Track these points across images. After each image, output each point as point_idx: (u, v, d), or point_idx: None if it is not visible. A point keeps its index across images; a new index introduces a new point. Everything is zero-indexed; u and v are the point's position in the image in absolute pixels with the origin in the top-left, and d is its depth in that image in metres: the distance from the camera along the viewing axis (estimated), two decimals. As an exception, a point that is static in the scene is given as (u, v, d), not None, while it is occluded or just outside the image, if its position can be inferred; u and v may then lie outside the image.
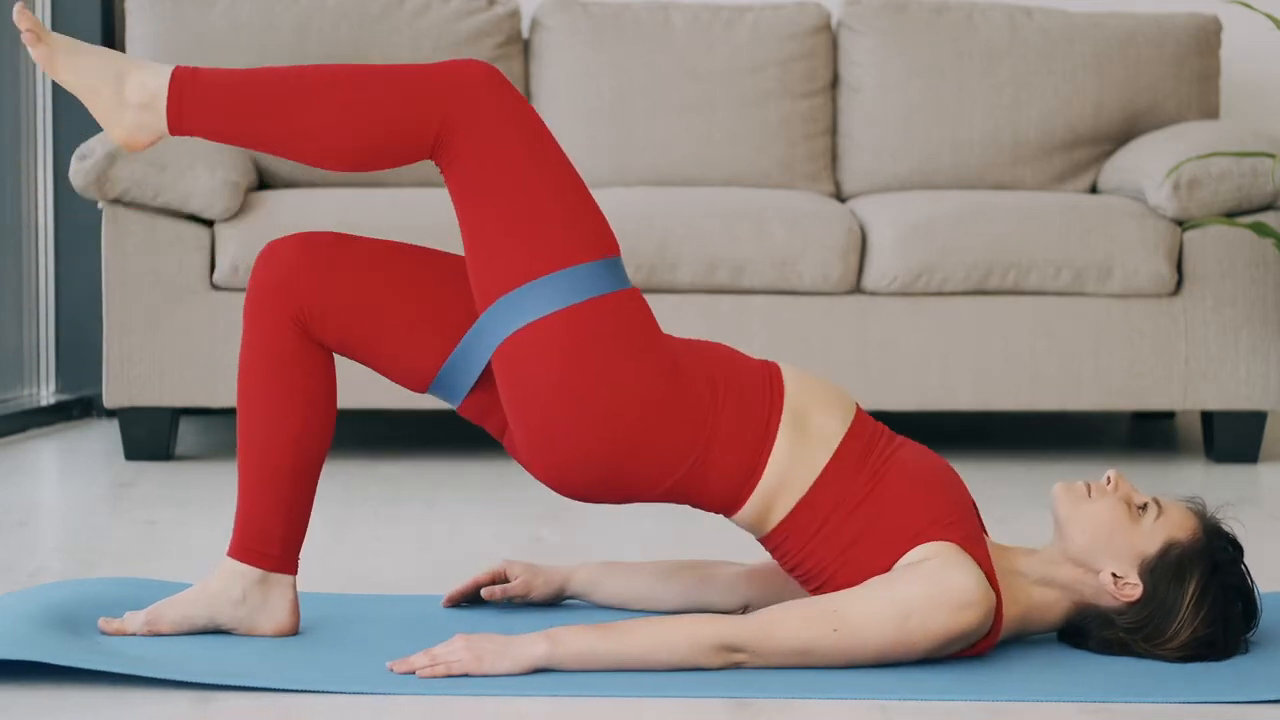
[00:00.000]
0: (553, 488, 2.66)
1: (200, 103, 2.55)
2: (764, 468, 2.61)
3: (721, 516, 2.73)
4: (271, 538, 2.69)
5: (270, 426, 2.67)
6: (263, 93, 2.55)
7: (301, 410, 2.67)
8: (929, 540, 2.57)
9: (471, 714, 2.41)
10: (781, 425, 2.63)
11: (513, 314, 2.57)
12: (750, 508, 2.63)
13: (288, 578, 2.71)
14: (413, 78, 2.57)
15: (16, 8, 2.54)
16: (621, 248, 4.42)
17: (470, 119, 2.56)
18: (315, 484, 2.72)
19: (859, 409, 2.70)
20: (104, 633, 2.69)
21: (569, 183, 2.60)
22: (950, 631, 2.53)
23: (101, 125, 2.59)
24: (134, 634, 2.69)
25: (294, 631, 2.72)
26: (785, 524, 2.63)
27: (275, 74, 2.57)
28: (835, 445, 2.63)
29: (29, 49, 2.56)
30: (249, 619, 2.70)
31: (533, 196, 2.57)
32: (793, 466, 2.62)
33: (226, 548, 2.72)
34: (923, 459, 2.68)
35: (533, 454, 2.61)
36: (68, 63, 2.57)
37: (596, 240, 2.60)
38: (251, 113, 2.55)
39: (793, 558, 2.64)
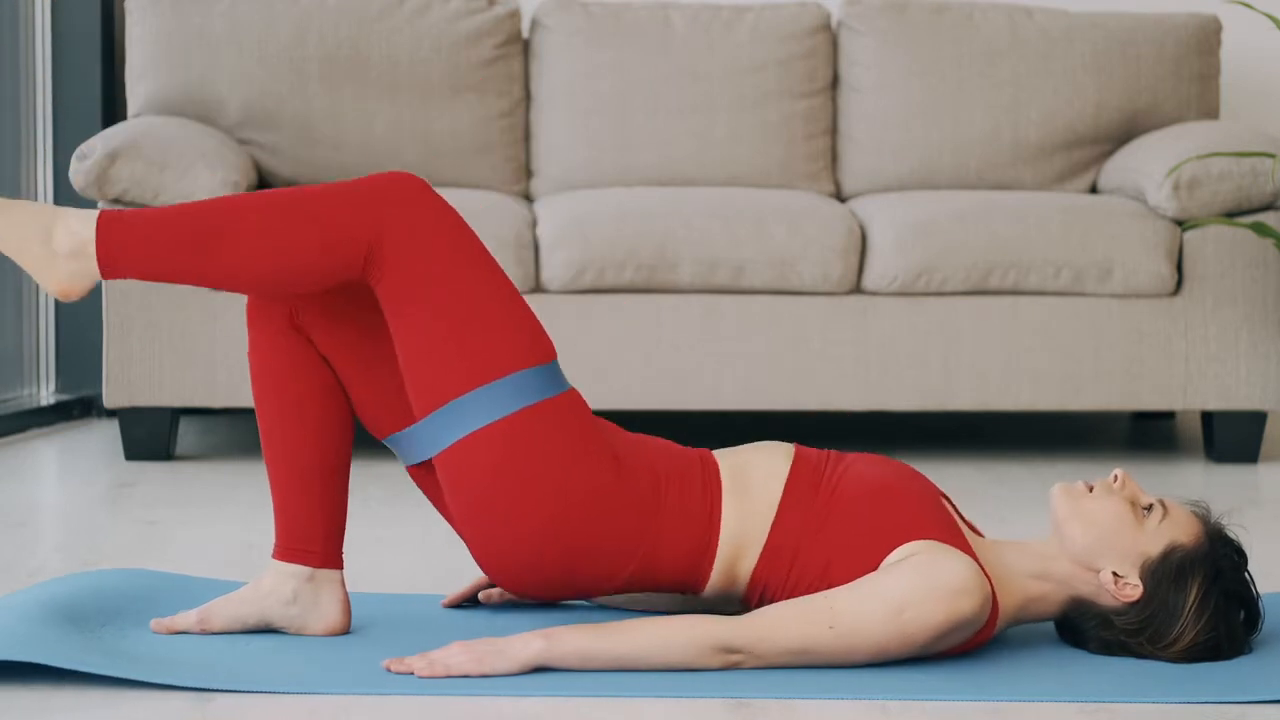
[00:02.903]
0: (507, 588, 2.69)
1: (127, 246, 2.54)
2: (718, 533, 2.64)
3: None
4: (313, 535, 2.71)
5: (289, 426, 2.69)
6: (188, 230, 2.54)
7: (317, 404, 2.69)
8: (903, 543, 2.58)
9: (471, 714, 2.41)
10: (724, 490, 2.65)
11: (451, 426, 2.59)
12: (717, 575, 2.65)
13: (335, 573, 2.74)
14: (338, 199, 2.57)
15: None
16: (622, 248, 4.43)
17: (398, 235, 2.57)
18: (347, 475, 2.74)
19: (799, 446, 2.73)
20: (155, 633, 2.71)
21: (501, 290, 2.62)
22: (948, 620, 2.53)
23: (35, 279, 2.58)
24: (185, 631, 2.71)
25: (345, 631, 2.74)
26: (757, 575, 2.64)
27: (199, 209, 2.57)
28: (782, 483, 2.65)
29: None
30: (300, 618, 2.72)
31: (466, 306, 2.59)
32: (746, 520, 2.64)
33: (271, 551, 2.74)
34: (876, 471, 2.69)
35: (483, 557, 2.64)
36: None
37: (532, 347, 2.61)
38: (178, 252, 2.54)
39: (776, 601, 2.65)
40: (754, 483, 2.66)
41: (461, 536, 2.66)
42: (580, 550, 2.60)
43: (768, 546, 2.63)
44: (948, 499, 2.73)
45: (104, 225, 2.54)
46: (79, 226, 2.54)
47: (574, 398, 2.63)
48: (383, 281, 2.59)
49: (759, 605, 2.66)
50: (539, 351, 2.62)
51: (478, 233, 4.38)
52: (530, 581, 2.65)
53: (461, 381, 2.58)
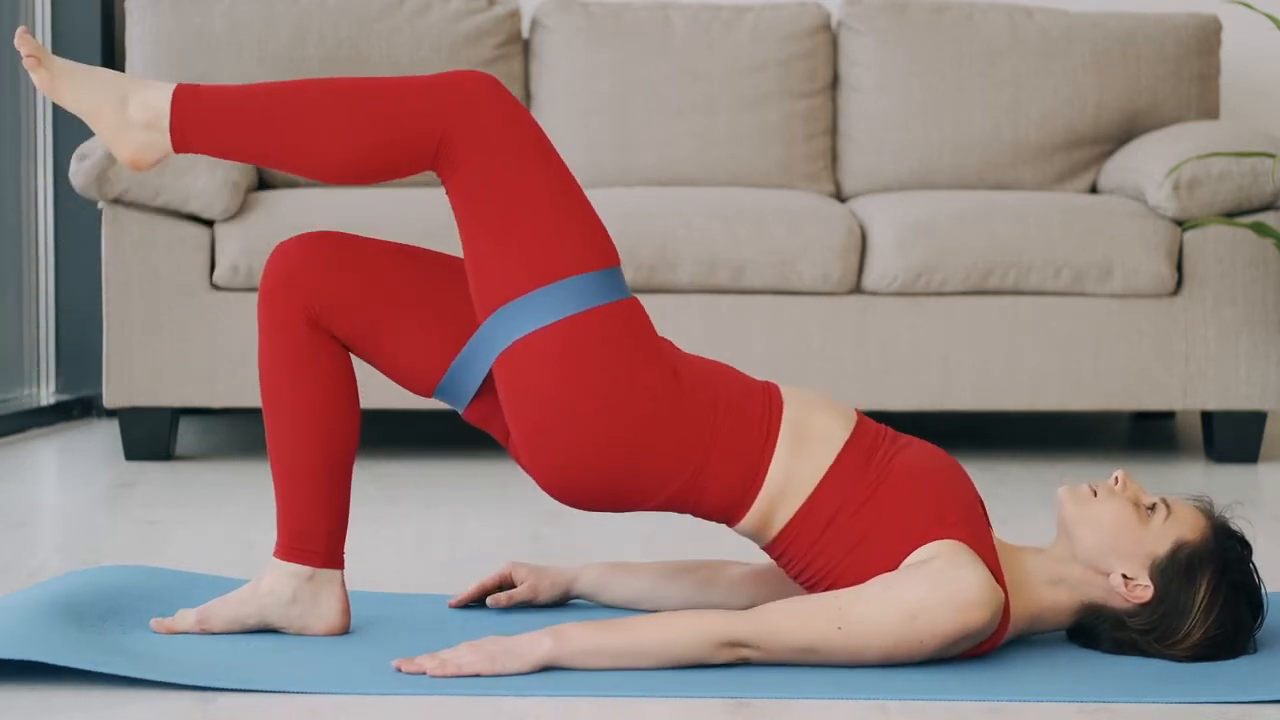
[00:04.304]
0: (553, 494, 2.68)
1: (203, 120, 2.56)
2: (764, 476, 2.62)
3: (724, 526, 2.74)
4: (315, 535, 2.71)
5: (296, 425, 2.69)
6: (264, 109, 2.56)
7: (324, 405, 2.69)
8: (934, 539, 2.57)
9: (471, 714, 2.41)
10: (781, 435, 2.64)
11: (513, 323, 2.58)
12: (752, 516, 2.64)
13: (335, 573, 2.74)
14: (413, 89, 2.59)
15: (18, 32, 2.54)
16: (622, 248, 4.43)
17: (471, 129, 2.58)
18: (350, 476, 2.74)
19: (860, 415, 2.72)
20: (155, 632, 2.71)
21: (569, 193, 2.62)
22: (958, 631, 2.53)
23: (107, 146, 2.60)
24: (185, 632, 2.71)
25: (345, 631, 2.74)
26: (788, 530, 2.63)
27: (277, 89, 2.58)
28: (838, 449, 2.64)
29: (30, 74, 2.57)
30: (300, 619, 2.72)
31: (533, 206, 2.59)
32: (794, 473, 2.63)
33: (272, 550, 2.74)
34: (928, 458, 2.68)
35: (533, 459, 2.63)
36: (70, 85, 2.58)
37: (597, 250, 2.61)
38: (253, 129, 2.57)
39: (798, 563, 2.64)
40: (811, 439, 2.64)
41: (515, 441, 2.64)
42: (630, 457, 2.59)
43: (808, 503, 2.62)
44: (983, 505, 2.73)
45: (179, 100, 2.56)
46: (155, 98, 2.56)
47: (635, 306, 2.64)
48: (453, 177, 2.60)
49: (780, 561, 2.67)
50: (603, 256, 2.62)
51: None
52: (577, 486, 2.63)
53: (525, 280, 2.58)
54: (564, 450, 2.59)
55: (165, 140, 2.57)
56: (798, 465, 2.63)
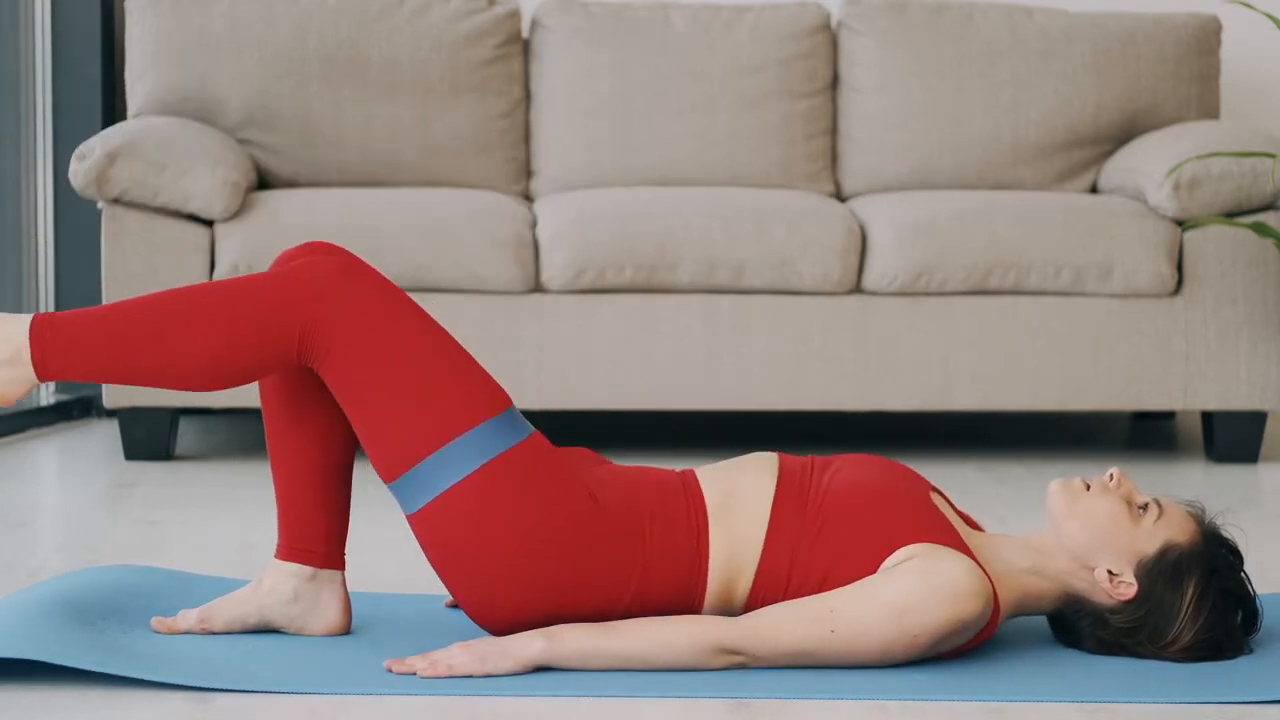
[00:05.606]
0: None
1: (62, 348, 2.54)
2: (707, 559, 2.62)
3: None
4: (315, 535, 2.71)
5: (294, 426, 2.69)
6: (121, 328, 2.54)
7: (322, 406, 2.69)
8: (901, 546, 2.57)
9: (469, 714, 2.41)
10: (710, 517, 2.63)
11: (417, 490, 2.58)
12: (712, 597, 2.64)
13: (337, 573, 2.74)
14: (264, 286, 2.57)
15: None
16: (622, 247, 4.43)
17: (330, 313, 2.57)
18: (350, 476, 2.74)
19: (782, 455, 2.72)
20: (156, 632, 2.71)
21: (444, 348, 2.61)
22: (951, 623, 2.53)
23: None
24: (186, 631, 2.71)
25: (345, 631, 2.74)
26: (755, 591, 2.63)
27: (132, 306, 2.56)
28: (770, 499, 2.64)
29: None
30: (301, 618, 2.73)
31: (413, 372, 2.58)
32: (736, 541, 2.63)
33: (273, 551, 2.74)
34: (865, 471, 2.68)
35: (473, 612, 2.63)
36: None
37: (484, 399, 2.60)
38: (113, 350, 2.54)
39: None
40: (740, 507, 2.64)
41: (449, 590, 2.65)
42: (567, 594, 2.58)
43: (760, 570, 2.62)
44: (939, 492, 2.73)
45: (37, 330, 2.54)
46: (13, 332, 2.54)
47: (537, 441, 2.62)
48: (325, 362, 2.58)
49: None
50: (493, 402, 2.60)
51: (479, 232, 4.40)
52: (523, 627, 2.63)
53: (421, 447, 2.57)
54: (497, 599, 2.59)
55: (29, 372, 2.54)
56: (736, 538, 2.63)
